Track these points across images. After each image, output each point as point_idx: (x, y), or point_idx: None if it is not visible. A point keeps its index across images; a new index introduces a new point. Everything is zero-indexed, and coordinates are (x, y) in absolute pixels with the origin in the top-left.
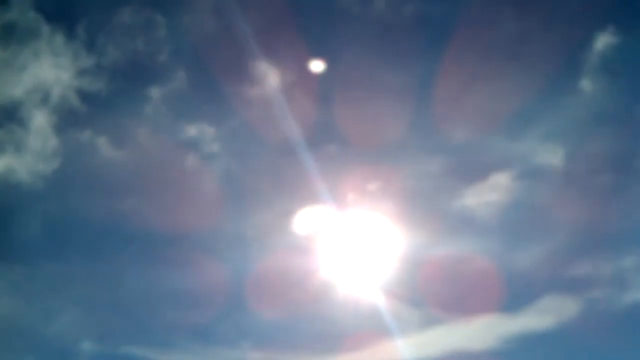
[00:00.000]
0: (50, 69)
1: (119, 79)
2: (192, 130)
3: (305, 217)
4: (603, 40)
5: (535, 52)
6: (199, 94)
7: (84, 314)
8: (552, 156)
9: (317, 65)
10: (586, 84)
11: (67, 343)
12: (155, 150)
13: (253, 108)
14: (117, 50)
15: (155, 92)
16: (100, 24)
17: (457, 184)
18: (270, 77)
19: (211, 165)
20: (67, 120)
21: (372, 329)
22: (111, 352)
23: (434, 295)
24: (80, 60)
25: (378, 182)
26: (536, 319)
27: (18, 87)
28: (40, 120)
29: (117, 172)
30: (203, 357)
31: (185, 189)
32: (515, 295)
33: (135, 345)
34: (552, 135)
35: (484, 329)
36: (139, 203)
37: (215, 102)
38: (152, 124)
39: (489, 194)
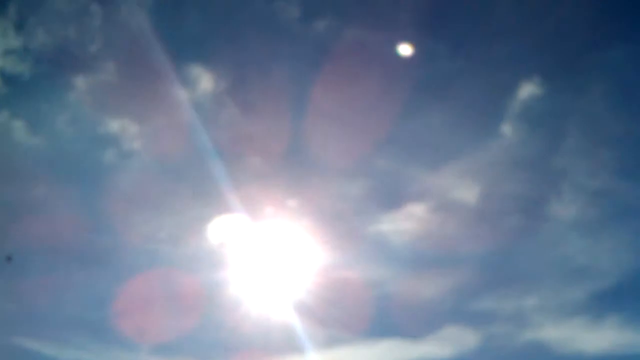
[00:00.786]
0: None
1: (45, 64)
2: (114, 125)
3: (220, 226)
4: (527, 90)
5: (463, 93)
6: (125, 90)
7: None
8: (467, 193)
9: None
10: (507, 128)
11: None
12: (73, 141)
13: (180, 110)
14: (47, 35)
15: (80, 81)
16: (33, 6)
17: (375, 209)
18: (201, 81)
19: (129, 163)
20: None
21: (280, 343)
22: (2, 341)
23: (342, 315)
24: (6, 40)
25: (297, 198)
26: (437, 347)
27: None
28: None
29: (31, 158)
30: (99, 356)
31: (100, 184)
32: (419, 322)
33: (28, 337)
34: (470, 173)
35: (387, 352)
36: (49, 192)
37: (141, 99)
38: (74, 113)
39: (404, 222)
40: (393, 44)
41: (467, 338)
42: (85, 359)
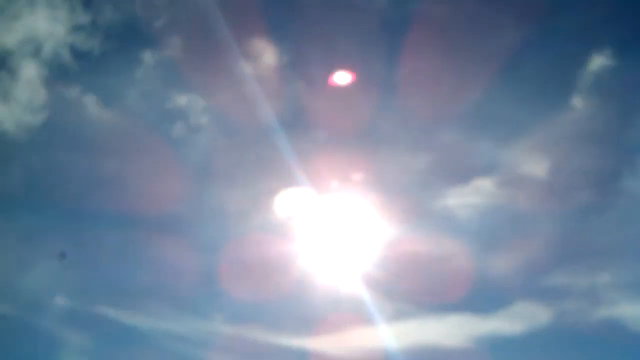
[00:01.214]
0: (44, 22)
1: (113, 40)
2: (181, 100)
3: (287, 199)
4: (599, 61)
5: (534, 64)
6: (191, 64)
7: (60, 270)
8: (537, 167)
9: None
10: (578, 101)
11: (40, 296)
12: (143, 115)
13: (245, 84)
14: (114, 11)
15: (148, 56)
16: None
17: (441, 183)
18: (265, 55)
19: (197, 137)
20: (57, 74)
21: (347, 314)
22: (84, 309)
23: (409, 289)
24: (76, 16)
25: (363, 172)
26: (507, 323)
27: (10, 36)
28: (30, 72)
29: (103, 132)
30: (175, 324)
31: (168, 158)
32: (489, 297)
33: (108, 306)
34: (539, 146)
35: (455, 327)
36: (121, 165)
37: (207, 74)
38: (142, 88)
39: (472, 197)
40: (458, 17)
41: (538, 314)
42: (162, 326)
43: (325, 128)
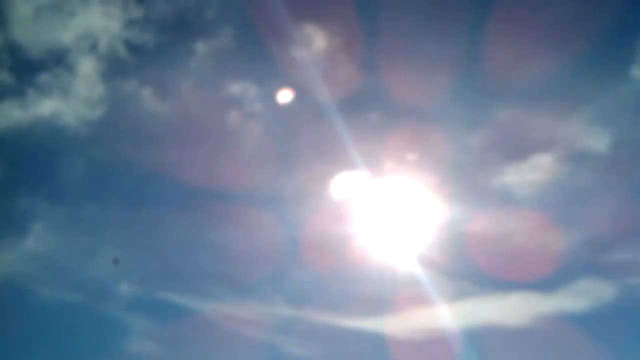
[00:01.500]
0: (99, 18)
1: (166, 32)
2: (235, 88)
3: (343, 182)
4: None
5: (591, 35)
6: (243, 52)
7: (124, 257)
8: (597, 141)
9: (361, 32)
10: (638, 72)
11: (106, 283)
12: (198, 105)
13: (296, 70)
14: (166, 3)
15: (201, 47)
16: None
17: (498, 160)
18: (315, 40)
19: (252, 123)
20: (113, 69)
21: (406, 295)
22: (148, 295)
23: (469, 268)
24: (129, 11)
25: (417, 152)
26: (570, 300)
27: (67, 33)
28: (87, 67)
29: (160, 123)
30: (236, 308)
31: (226, 146)
32: (551, 275)
33: (171, 291)
34: (600, 120)
35: (517, 305)
36: (179, 155)
37: (259, 61)
38: (196, 78)
39: (530, 174)
40: None
41: (602, 291)
42: (224, 310)
43: (380, 109)
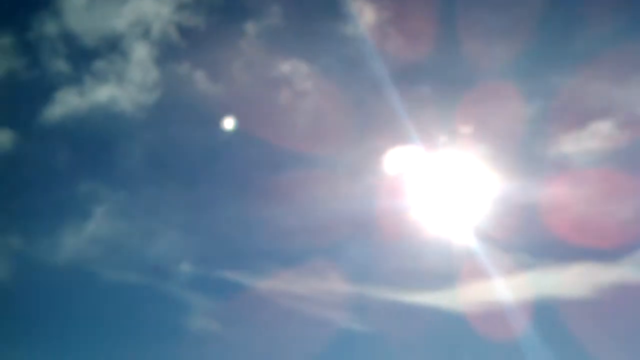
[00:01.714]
0: (151, 3)
1: (216, 14)
2: (285, 67)
3: (398, 156)
4: None
5: None
6: (294, 30)
7: (183, 238)
8: None
9: (412, 3)
10: None
11: (166, 264)
12: (250, 85)
13: (346, 45)
14: None
15: (251, 27)
16: None
17: (554, 130)
18: (365, 13)
19: (304, 101)
20: (166, 53)
21: (464, 269)
22: (207, 274)
23: (527, 240)
24: None
25: (473, 124)
26: (633, 270)
27: (120, 20)
28: (141, 52)
29: (213, 105)
30: (294, 284)
31: (279, 124)
32: (613, 245)
33: (230, 269)
34: None
35: (578, 276)
36: (233, 135)
37: (310, 38)
38: (248, 58)
39: (589, 142)
40: None
41: None
42: (282, 286)
43: (434, 82)
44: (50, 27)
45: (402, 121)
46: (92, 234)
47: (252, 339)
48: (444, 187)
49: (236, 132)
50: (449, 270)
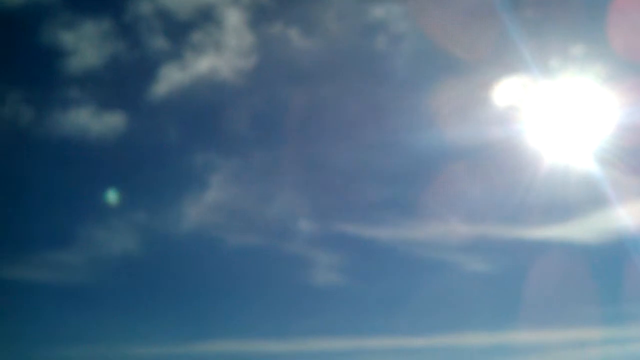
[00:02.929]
0: None
1: None
2: (378, 11)
3: (510, 86)
4: None
5: None
6: None
7: (299, 196)
8: None
9: None
10: None
11: (285, 223)
12: (344, 35)
13: None
14: None
15: None
16: None
17: None
18: None
19: (400, 46)
20: (258, 16)
21: (586, 199)
22: (326, 230)
23: None
24: None
25: (585, 44)
26: None
27: None
28: (234, 19)
29: (310, 60)
30: (413, 231)
31: (377, 71)
32: None
33: (347, 222)
34: None
35: None
36: (334, 88)
37: None
38: (339, 8)
39: None
40: None
41: None
42: (401, 234)
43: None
44: (145, 7)
45: (516, 47)
46: (211, 201)
47: (376, 289)
48: (561, 114)
49: (337, 84)
50: (571, 201)
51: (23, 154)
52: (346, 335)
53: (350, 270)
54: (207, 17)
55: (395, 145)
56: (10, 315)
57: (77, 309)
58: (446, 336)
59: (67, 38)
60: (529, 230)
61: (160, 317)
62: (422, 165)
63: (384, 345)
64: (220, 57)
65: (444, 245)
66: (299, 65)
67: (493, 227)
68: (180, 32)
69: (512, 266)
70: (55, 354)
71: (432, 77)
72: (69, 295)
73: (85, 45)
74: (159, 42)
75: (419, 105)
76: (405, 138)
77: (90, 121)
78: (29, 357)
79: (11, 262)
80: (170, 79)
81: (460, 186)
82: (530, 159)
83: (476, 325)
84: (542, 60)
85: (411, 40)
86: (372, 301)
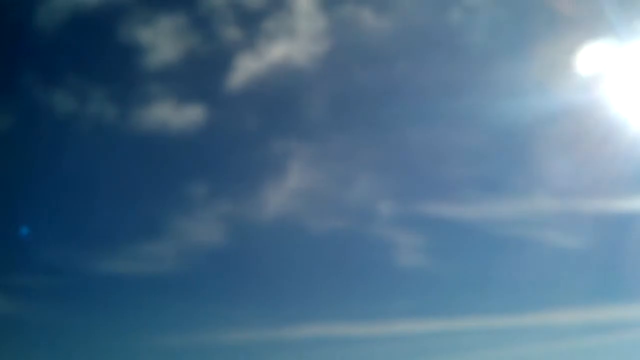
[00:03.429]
0: None
1: None
2: None
3: (593, 52)
4: None
5: None
6: None
7: (378, 178)
8: None
9: None
10: None
11: (366, 206)
12: (417, 11)
13: None
14: None
15: None
16: None
17: None
18: None
19: (475, 17)
20: None
21: None
22: (406, 210)
23: None
24: None
25: None
26: None
27: None
28: (304, 3)
29: (384, 39)
30: (495, 208)
31: (453, 44)
32: None
33: (427, 203)
34: None
35: None
36: (410, 66)
37: None
38: None
39: None
40: None
41: None
42: (483, 212)
43: None
44: None
45: (601, 10)
46: (291, 187)
47: (461, 270)
48: None
49: (413, 61)
50: None
51: (110, 150)
52: (433, 317)
53: (434, 250)
54: (277, 4)
55: (475, 120)
56: (109, 307)
57: (169, 298)
58: (536, 315)
59: (144, 35)
60: (618, 201)
61: (249, 303)
62: (504, 139)
63: (472, 326)
64: (293, 43)
65: (529, 221)
66: (373, 45)
67: (580, 201)
68: (253, 21)
69: (602, 240)
70: (151, 343)
71: (511, 47)
72: (160, 286)
73: (162, 40)
74: (232, 33)
75: (498, 78)
76: (485, 112)
77: (171, 115)
78: (127, 346)
79: (104, 256)
80: (246, 68)
81: (544, 159)
82: (618, 127)
83: (567, 303)
84: (629, 23)
85: (486, 10)
86: (457, 282)
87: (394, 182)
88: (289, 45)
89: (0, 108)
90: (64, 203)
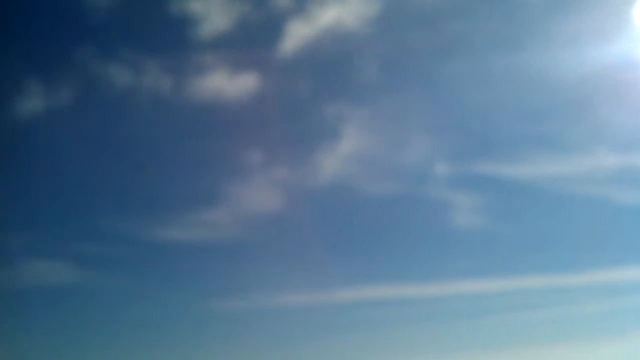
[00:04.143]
0: None
1: None
2: None
3: None
4: None
5: None
6: None
7: (433, 139)
8: None
9: None
10: None
11: (421, 168)
12: None
13: None
14: None
15: None
16: None
17: None
18: None
19: None
20: None
21: None
22: (463, 170)
23: None
24: None
25: None
26: None
27: None
28: None
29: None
30: (555, 166)
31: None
32: None
33: (484, 162)
34: None
35: None
36: (463, 25)
37: None
38: None
39: None
40: None
41: None
42: (544, 171)
43: None
44: None
45: None
46: (346, 152)
47: (521, 229)
48: None
49: (466, 21)
50: None
51: (166, 121)
52: (493, 277)
53: (493, 210)
54: None
55: (533, 75)
56: (169, 273)
57: (228, 264)
58: (598, 272)
59: (196, 5)
60: None
61: (305, 268)
62: (562, 94)
63: (532, 285)
64: (344, 7)
65: (590, 178)
66: (425, 5)
67: None
68: None
69: None
70: (211, 307)
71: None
72: (218, 252)
73: (213, 10)
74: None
75: (557, 30)
76: (543, 66)
77: (225, 84)
78: (187, 311)
79: (164, 224)
80: (297, 34)
81: (605, 113)
82: None
83: (629, 260)
84: None
85: None
86: (517, 241)
87: (450, 142)
88: (340, 9)
89: (57, 83)
90: (125, 174)
